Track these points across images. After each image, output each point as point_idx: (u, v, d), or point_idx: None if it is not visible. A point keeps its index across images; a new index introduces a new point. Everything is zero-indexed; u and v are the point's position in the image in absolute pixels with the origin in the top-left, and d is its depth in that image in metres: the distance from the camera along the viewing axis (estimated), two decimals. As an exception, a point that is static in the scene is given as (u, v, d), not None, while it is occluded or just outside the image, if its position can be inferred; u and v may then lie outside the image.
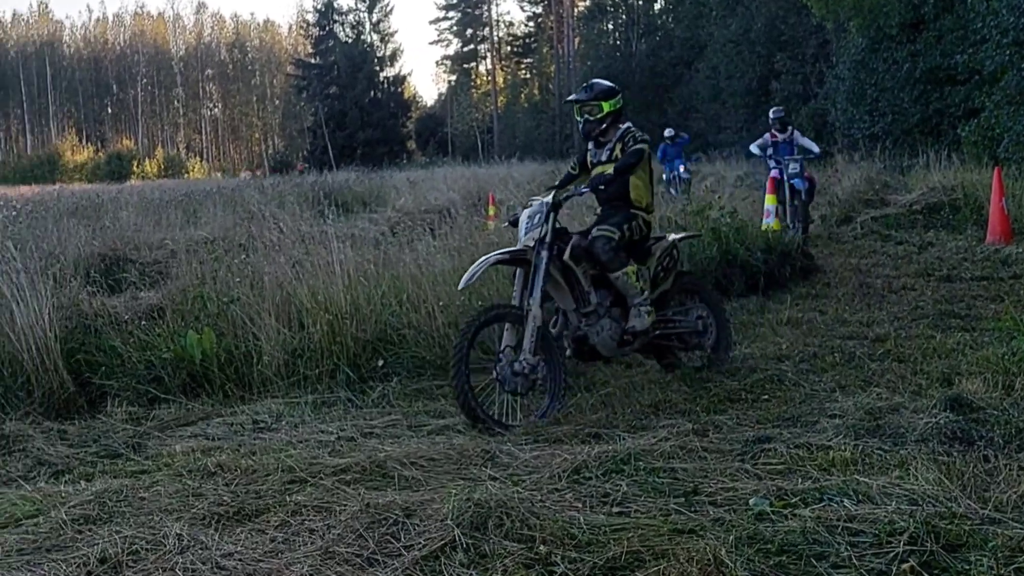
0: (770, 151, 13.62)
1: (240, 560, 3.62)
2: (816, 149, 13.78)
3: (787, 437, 4.77)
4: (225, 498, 4.33)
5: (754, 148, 14.09)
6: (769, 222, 12.65)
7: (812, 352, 6.81)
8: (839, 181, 18.38)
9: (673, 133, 20.80)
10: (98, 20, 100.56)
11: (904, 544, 3.26)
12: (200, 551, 3.67)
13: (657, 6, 55.40)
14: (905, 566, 3.14)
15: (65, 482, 4.76)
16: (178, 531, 3.85)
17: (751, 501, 3.88)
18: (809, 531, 3.46)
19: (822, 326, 7.66)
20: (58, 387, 6.35)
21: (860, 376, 6.02)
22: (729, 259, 9.42)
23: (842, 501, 3.74)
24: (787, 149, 13.52)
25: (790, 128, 13.88)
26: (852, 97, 25.65)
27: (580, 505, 4.00)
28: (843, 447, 4.48)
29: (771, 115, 14.17)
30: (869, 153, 21.77)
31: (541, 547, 3.49)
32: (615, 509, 3.95)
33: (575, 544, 3.54)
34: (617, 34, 55.22)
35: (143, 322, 7.28)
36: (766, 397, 5.73)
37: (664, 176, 20.06)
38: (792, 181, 13.02)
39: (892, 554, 3.23)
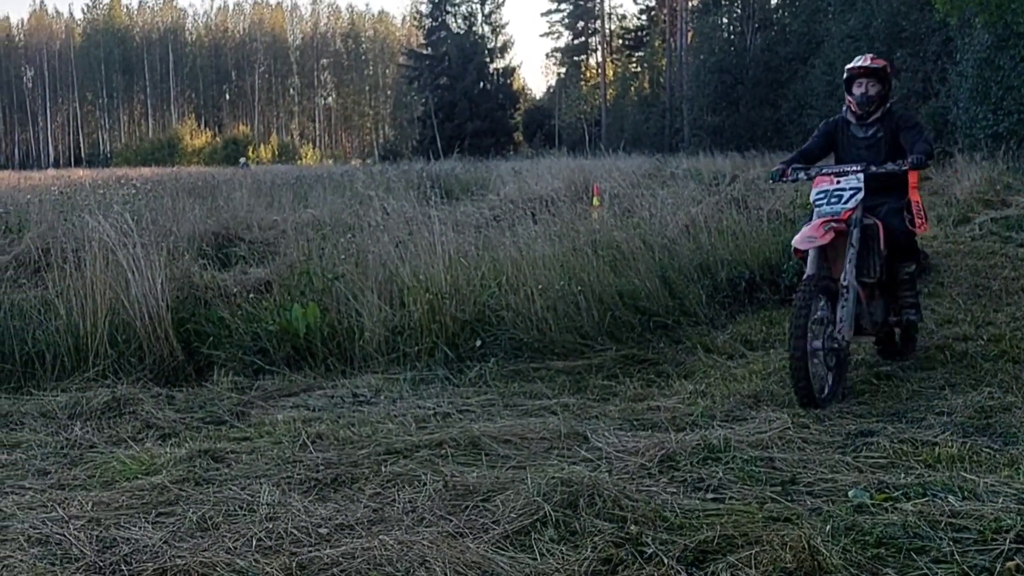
0: None
1: (331, 526, 3.69)
2: None
3: (891, 432, 4.64)
4: (321, 466, 4.42)
5: None
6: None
7: (921, 350, 6.59)
8: (958, 181, 17.75)
9: None
10: (219, 9, 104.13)
11: (1010, 542, 3.14)
12: (294, 515, 3.75)
13: (774, 0, 54.32)
14: (1010, 564, 3.02)
15: (171, 445, 4.92)
16: (274, 496, 3.94)
17: (850, 493, 3.79)
18: (910, 525, 3.35)
19: (933, 325, 7.41)
20: (168, 355, 6.57)
21: (971, 375, 5.81)
22: (838, 254, 9.16)
23: (946, 497, 3.62)
24: None
25: None
26: (975, 95, 24.67)
27: (673, 489, 3.96)
28: (950, 444, 4.34)
29: None
30: (991, 153, 20.93)
31: (632, 527, 3.47)
32: (709, 495, 3.90)
33: (667, 526, 3.51)
34: (731, 28, 54.19)
35: (251, 295, 7.48)
36: (870, 392, 5.58)
37: None
38: None
39: (996, 552, 3.11)
